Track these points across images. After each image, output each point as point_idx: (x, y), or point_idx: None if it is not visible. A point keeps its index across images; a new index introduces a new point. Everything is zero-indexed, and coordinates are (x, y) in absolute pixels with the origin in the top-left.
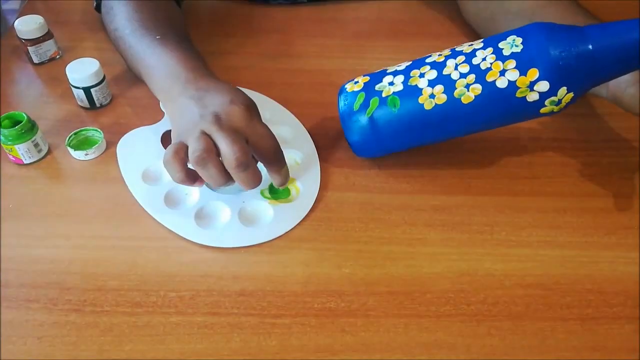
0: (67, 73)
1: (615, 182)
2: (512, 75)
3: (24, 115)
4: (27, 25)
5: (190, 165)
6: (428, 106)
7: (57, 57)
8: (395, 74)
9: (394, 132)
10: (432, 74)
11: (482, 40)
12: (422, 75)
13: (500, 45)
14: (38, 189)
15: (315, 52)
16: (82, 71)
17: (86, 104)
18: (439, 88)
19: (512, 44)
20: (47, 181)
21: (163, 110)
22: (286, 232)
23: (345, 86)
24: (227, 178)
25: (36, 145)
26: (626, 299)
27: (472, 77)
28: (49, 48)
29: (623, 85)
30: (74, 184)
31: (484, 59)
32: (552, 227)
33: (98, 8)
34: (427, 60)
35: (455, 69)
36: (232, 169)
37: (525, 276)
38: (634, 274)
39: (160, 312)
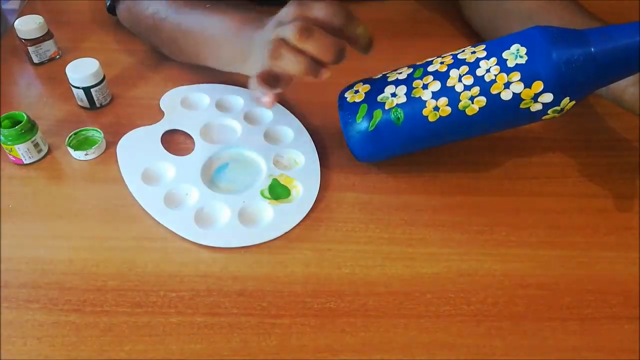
0: (67, 73)
1: (615, 183)
2: (517, 87)
3: (24, 115)
4: (27, 25)
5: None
6: (432, 118)
7: (57, 57)
8: (397, 83)
9: (397, 141)
10: (436, 86)
11: (484, 46)
12: (425, 87)
13: (505, 55)
14: (38, 189)
15: None
16: (82, 71)
17: (86, 104)
18: (443, 100)
19: (516, 55)
20: (47, 181)
21: (163, 109)
22: (286, 232)
23: (346, 95)
24: (305, 56)
25: (36, 145)
26: (626, 299)
27: (476, 89)
28: (48, 48)
29: (623, 84)
30: (73, 184)
31: (488, 71)
32: (552, 227)
33: (111, 10)
34: (429, 69)
35: (459, 80)
36: (298, 41)
37: (525, 276)
38: (634, 274)
39: (160, 312)
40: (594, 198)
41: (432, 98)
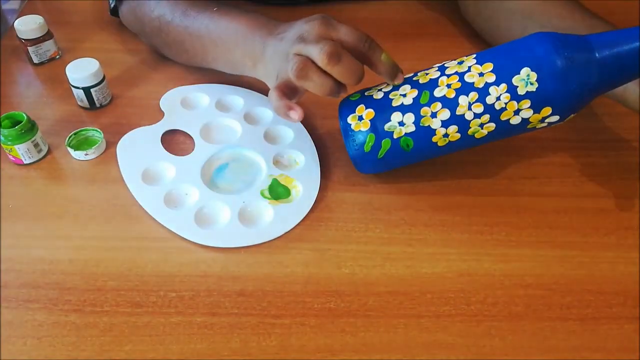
0: (67, 73)
1: (615, 183)
2: (527, 113)
3: (24, 115)
4: (27, 25)
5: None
6: (441, 143)
7: (57, 57)
8: (403, 110)
9: (404, 162)
10: (445, 114)
11: (492, 66)
12: (434, 115)
13: (515, 81)
14: (38, 189)
15: None
16: (82, 71)
17: (86, 104)
18: (453, 128)
19: (527, 82)
20: (47, 181)
21: (163, 110)
22: (286, 232)
23: (349, 122)
24: (331, 79)
25: (36, 145)
26: (626, 299)
27: (486, 117)
28: (48, 48)
29: None
30: (73, 184)
31: (498, 98)
32: (552, 227)
33: (114, 12)
34: (437, 94)
35: (469, 108)
36: (327, 65)
37: (525, 276)
38: (634, 274)
39: (160, 312)
40: (594, 198)
41: (441, 126)
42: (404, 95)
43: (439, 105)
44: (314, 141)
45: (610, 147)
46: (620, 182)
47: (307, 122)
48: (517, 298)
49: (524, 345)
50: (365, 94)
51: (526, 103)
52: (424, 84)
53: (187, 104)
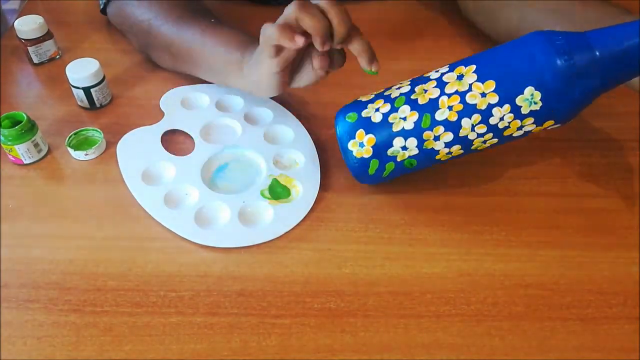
0: (67, 73)
1: (615, 183)
2: (529, 127)
3: (23, 115)
4: (27, 25)
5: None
6: (444, 158)
7: (57, 57)
8: (405, 135)
9: (405, 174)
10: (448, 137)
11: (494, 84)
12: (437, 139)
13: (518, 102)
14: (38, 189)
15: None
16: (82, 71)
17: (86, 104)
18: (457, 147)
19: (530, 101)
20: (47, 181)
21: (163, 110)
22: (286, 232)
23: (350, 148)
24: (325, 18)
25: (36, 145)
26: (626, 299)
27: (490, 135)
28: (48, 48)
29: None
30: (73, 184)
31: (501, 119)
32: (552, 227)
33: (104, 11)
34: (438, 117)
35: (472, 130)
36: (299, 13)
37: (525, 276)
38: (634, 274)
39: (160, 312)
40: (594, 198)
41: (445, 147)
42: (404, 119)
43: (441, 128)
44: (313, 141)
45: (610, 147)
46: (620, 182)
47: (306, 123)
48: (517, 298)
49: (524, 345)
50: (362, 114)
51: (529, 120)
52: (424, 105)
53: (187, 104)
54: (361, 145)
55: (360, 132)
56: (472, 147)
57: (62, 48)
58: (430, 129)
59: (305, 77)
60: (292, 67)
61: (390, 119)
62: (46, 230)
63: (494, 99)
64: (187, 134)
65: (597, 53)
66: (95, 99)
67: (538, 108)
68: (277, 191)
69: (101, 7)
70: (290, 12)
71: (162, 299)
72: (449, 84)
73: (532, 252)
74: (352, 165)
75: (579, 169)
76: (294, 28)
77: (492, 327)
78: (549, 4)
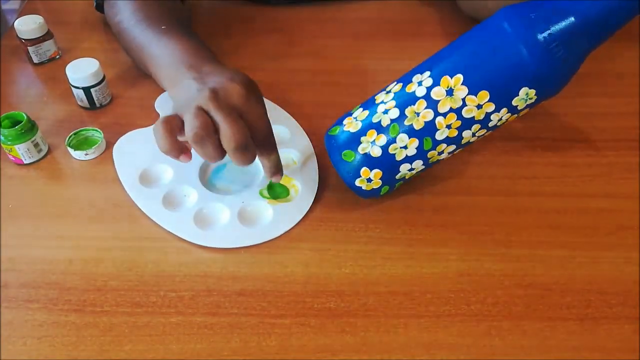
0: (67, 73)
1: (615, 182)
2: (524, 112)
3: (24, 115)
4: (27, 25)
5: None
6: (443, 158)
7: (57, 57)
8: (410, 160)
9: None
10: (452, 148)
11: (488, 95)
12: (441, 153)
13: (515, 102)
14: (38, 189)
15: (315, 52)
16: (82, 71)
17: (86, 104)
18: (457, 150)
19: (526, 99)
20: (47, 181)
21: (158, 111)
22: (286, 232)
23: (359, 185)
24: (223, 155)
25: (36, 145)
26: (626, 299)
27: (484, 131)
28: (48, 48)
29: None
30: (73, 184)
31: (500, 119)
32: (552, 227)
33: (99, 8)
34: (438, 137)
35: (473, 136)
36: (231, 150)
37: (525, 276)
38: (634, 274)
39: (160, 312)
40: (594, 198)
41: (448, 154)
42: (405, 147)
43: (444, 145)
44: (312, 141)
45: (610, 147)
46: (620, 182)
47: (304, 121)
48: (517, 298)
49: (524, 345)
50: (359, 150)
51: (526, 110)
52: (421, 130)
53: None
54: (369, 180)
55: (365, 170)
56: (469, 143)
57: (62, 48)
58: (433, 148)
59: None
60: None
61: (391, 150)
62: (46, 230)
63: (490, 107)
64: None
65: (573, 19)
66: (95, 98)
67: (534, 100)
68: (276, 191)
69: (95, 4)
70: (186, 132)
71: (162, 299)
72: (440, 102)
73: (532, 252)
74: (364, 195)
75: (579, 169)
76: (181, 147)
77: (492, 327)
78: None
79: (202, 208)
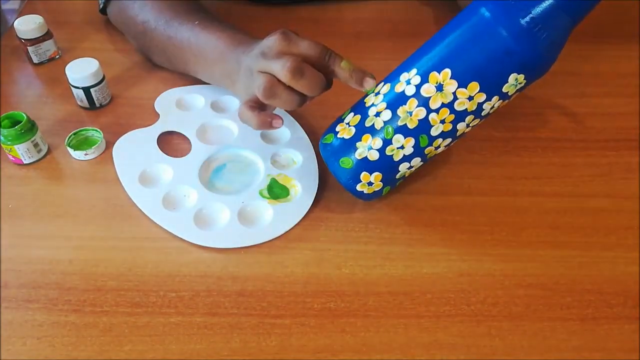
0: (66, 73)
1: (615, 183)
2: (515, 96)
3: (23, 115)
4: (27, 25)
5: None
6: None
7: (57, 57)
8: (408, 159)
9: None
10: (448, 141)
11: (478, 86)
12: (438, 148)
13: (505, 89)
14: (38, 189)
15: None
16: (81, 71)
17: (86, 104)
18: (453, 142)
19: (515, 84)
20: (47, 181)
21: (158, 111)
22: (286, 232)
23: (360, 189)
24: (296, 94)
25: (36, 145)
26: (626, 299)
27: (482, 121)
28: (48, 48)
29: None
30: (73, 184)
31: (492, 107)
32: (552, 227)
33: (104, 10)
34: (433, 133)
35: (467, 127)
36: (291, 80)
37: (525, 276)
38: (634, 274)
39: (159, 313)
40: (594, 198)
41: (444, 147)
42: (402, 147)
43: (440, 140)
44: (312, 140)
45: (610, 147)
46: (620, 182)
47: (303, 121)
48: (517, 298)
49: (524, 345)
50: (356, 156)
51: (516, 94)
52: (415, 128)
53: (182, 105)
54: (370, 184)
55: (365, 174)
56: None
57: (62, 48)
58: (430, 144)
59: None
60: None
61: (388, 152)
62: (46, 230)
63: (481, 97)
64: (183, 135)
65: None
66: (95, 98)
67: (524, 85)
68: (276, 191)
69: (100, 6)
70: (257, 95)
71: (162, 299)
72: (431, 99)
73: (532, 252)
74: (366, 198)
75: (579, 169)
76: (271, 116)
77: (492, 327)
78: None
79: (202, 208)
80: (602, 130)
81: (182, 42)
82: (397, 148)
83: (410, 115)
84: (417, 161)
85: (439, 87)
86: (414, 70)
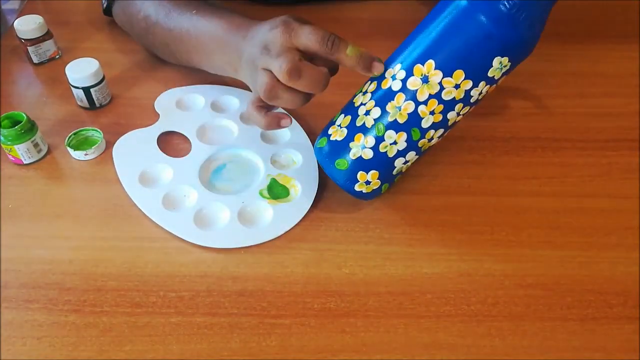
0: (66, 73)
1: (615, 182)
2: (503, 79)
3: (23, 115)
4: (27, 25)
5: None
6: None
7: (57, 57)
8: (403, 154)
9: None
10: (440, 132)
11: (463, 73)
12: (431, 140)
13: (491, 74)
14: (38, 189)
15: None
16: (81, 71)
17: (86, 104)
18: (442, 131)
19: (501, 68)
20: (47, 181)
21: (157, 111)
22: (286, 232)
23: (359, 189)
24: (298, 93)
25: (36, 145)
26: (626, 299)
27: (472, 108)
28: (48, 48)
29: None
30: (73, 184)
31: (480, 93)
32: (552, 227)
33: (108, 11)
34: (425, 126)
35: (458, 115)
36: (288, 81)
37: (525, 276)
38: (634, 274)
39: (160, 313)
40: (594, 198)
41: (438, 139)
42: (395, 143)
43: (432, 131)
44: (310, 140)
45: (610, 147)
46: (620, 182)
47: (303, 121)
48: (517, 298)
49: (524, 345)
50: (351, 156)
51: (503, 77)
52: (405, 122)
53: (182, 105)
54: (368, 183)
55: (361, 174)
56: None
57: (62, 48)
58: (422, 137)
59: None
60: None
61: (381, 149)
62: (46, 230)
63: (468, 85)
64: (183, 135)
65: None
66: (95, 99)
67: (509, 67)
68: (276, 191)
69: (104, 6)
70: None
71: (162, 299)
72: (418, 92)
73: (532, 252)
74: (366, 197)
75: (579, 169)
76: (278, 115)
77: (492, 327)
78: None
79: (202, 208)
80: (602, 130)
81: (181, 33)
82: (390, 144)
83: (400, 110)
84: (412, 155)
85: (425, 79)
86: (398, 65)
